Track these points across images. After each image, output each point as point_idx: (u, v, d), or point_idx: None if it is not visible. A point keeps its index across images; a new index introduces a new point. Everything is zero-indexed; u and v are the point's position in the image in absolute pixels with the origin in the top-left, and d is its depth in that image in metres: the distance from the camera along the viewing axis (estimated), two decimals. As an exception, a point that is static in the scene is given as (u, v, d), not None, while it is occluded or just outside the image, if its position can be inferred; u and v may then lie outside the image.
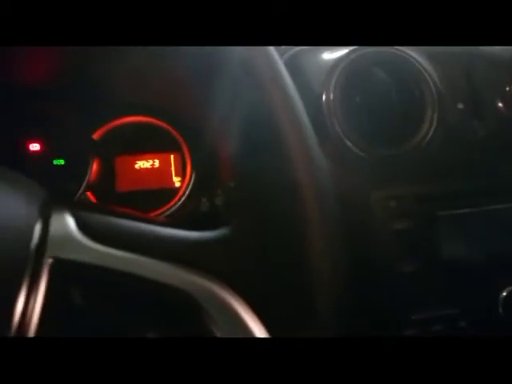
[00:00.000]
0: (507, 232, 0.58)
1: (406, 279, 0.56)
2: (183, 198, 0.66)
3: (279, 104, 0.31)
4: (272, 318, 0.29)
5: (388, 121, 0.57)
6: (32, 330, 0.25)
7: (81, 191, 0.63)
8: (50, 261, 0.27)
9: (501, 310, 0.58)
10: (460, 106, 0.58)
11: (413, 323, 0.57)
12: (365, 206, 0.56)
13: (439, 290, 0.58)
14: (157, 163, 0.67)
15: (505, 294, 0.58)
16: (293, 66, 0.60)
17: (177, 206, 0.66)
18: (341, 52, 0.57)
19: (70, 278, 0.28)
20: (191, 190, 0.66)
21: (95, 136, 0.65)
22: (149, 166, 0.67)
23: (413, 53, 0.58)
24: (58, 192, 0.61)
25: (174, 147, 0.67)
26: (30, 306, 0.25)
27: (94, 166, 0.64)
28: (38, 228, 0.28)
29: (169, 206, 0.66)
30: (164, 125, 0.67)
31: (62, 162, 0.64)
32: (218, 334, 0.28)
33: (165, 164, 0.68)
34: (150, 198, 0.66)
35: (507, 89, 0.59)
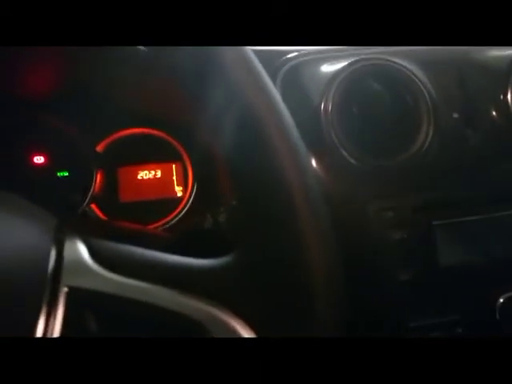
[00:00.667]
0: (503, 239, 0.59)
1: (404, 287, 0.57)
2: (186, 208, 0.67)
3: (261, 107, 0.31)
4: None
5: (384, 132, 0.57)
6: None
7: (85, 203, 0.64)
8: (66, 289, 0.28)
9: (498, 317, 0.59)
10: (455, 115, 0.59)
11: (411, 330, 0.58)
12: (361, 216, 0.57)
13: (436, 297, 0.59)
14: (159, 173, 0.68)
15: (502, 300, 0.59)
16: (293, 77, 0.61)
17: (180, 215, 0.66)
18: (339, 65, 0.58)
19: (85, 306, 0.28)
20: (194, 199, 0.67)
21: (98, 148, 0.66)
22: (151, 177, 0.68)
23: (408, 64, 0.59)
24: (62, 204, 0.63)
25: (175, 157, 0.68)
26: (49, 334, 0.26)
27: (98, 178, 0.65)
28: (52, 256, 0.29)
29: (172, 216, 0.66)
30: (164, 135, 0.67)
31: (65, 173, 0.66)
32: None
33: (167, 174, 0.69)
34: (154, 208, 0.67)
35: (501, 97, 0.60)
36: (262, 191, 0.31)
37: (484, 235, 0.59)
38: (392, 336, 0.57)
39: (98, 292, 0.28)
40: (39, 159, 0.65)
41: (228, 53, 0.33)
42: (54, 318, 0.27)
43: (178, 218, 0.66)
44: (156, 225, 0.66)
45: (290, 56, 0.63)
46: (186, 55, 0.34)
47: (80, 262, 0.29)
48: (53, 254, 0.29)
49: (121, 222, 0.53)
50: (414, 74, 0.58)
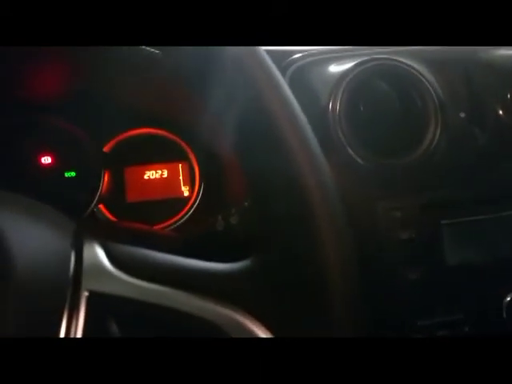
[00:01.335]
0: (511, 238, 0.59)
1: (412, 286, 0.57)
2: (193, 208, 0.67)
3: (275, 105, 0.31)
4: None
5: (392, 131, 0.58)
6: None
7: (94, 204, 0.65)
8: (86, 294, 0.28)
9: (505, 315, 0.59)
10: (462, 114, 0.59)
11: (418, 329, 0.58)
12: (369, 215, 0.57)
13: (444, 296, 0.59)
14: (165, 173, 0.69)
15: (509, 298, 0.59)
16: (300, 78, 0.61)
17: (187, 215, 0.67)
18: (347, 65, 0.59)
19: (106, 309, 0.29)
20: (201, 199, 0.67)
21: (105, 148, 0.66)
22: (157, 177, 0.68)
23: (415, 64, 0.59)
24: (70, 204, 0.63)
25: (181, 157, 0.68)
26: (71, 335, 0.27)
27: (106, 178, 0.66)
28: (72, 260, 0.29)
29: (179, 215, 0.67)
30: (171, 135, 0.68)
31: (73, 174, 0.66)
32: None
33: (173, 174, 0.69)
34: (161, 208, 0.67)
35: (508, 96, 0.60)
36: (276, 189, 0.31)
37: (492, 234, 0.59)
38: (400, 335, 0.57)
39: (118, 296, 0.28)
40: (47, 160, 0.65)
41: (242, 51, 0.33)
42: (77, 321, 0.27)
43: (185, 218, 0.67)
44: (164, 225, 0.66)
45: (296, 56, 0.63)
46: (195, 54, 0.34)
47: (99, 266, 0.29)
48: (72, 258, 0.29)
49: (132, 224, 0.54)
50: (421, 73, 0.58)
